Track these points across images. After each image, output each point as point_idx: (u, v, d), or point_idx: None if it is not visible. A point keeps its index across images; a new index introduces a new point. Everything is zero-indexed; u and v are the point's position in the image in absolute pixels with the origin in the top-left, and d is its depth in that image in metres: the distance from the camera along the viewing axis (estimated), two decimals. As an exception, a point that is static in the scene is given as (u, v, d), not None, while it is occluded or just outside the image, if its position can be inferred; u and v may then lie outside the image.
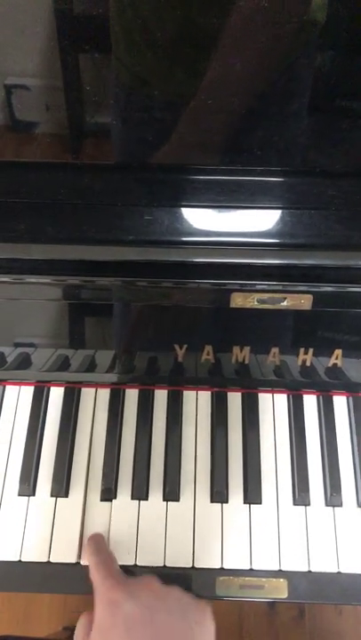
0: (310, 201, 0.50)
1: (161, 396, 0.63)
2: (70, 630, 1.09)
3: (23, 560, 0.55)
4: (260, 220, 0.50)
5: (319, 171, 0.51)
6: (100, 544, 0.54)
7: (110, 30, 0.44)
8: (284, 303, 0.51)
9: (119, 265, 0.49)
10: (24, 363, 0.61)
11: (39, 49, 0.46)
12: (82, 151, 0.52)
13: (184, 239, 0.49)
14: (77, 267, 0.51)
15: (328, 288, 0.50)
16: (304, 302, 0.51)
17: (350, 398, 0.62)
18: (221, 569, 0.55)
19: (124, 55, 0.46)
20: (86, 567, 0.52)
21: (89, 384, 0.64)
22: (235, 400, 0.63)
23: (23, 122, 0.51)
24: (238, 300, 0.51)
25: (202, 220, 0.50)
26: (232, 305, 0.52)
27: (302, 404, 0.63)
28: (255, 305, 0.52)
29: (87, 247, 0.50)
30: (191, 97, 0.47)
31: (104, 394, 0.63)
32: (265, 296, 0.51)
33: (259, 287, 0.50)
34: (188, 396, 0.63)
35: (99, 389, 0.64)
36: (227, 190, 0.50)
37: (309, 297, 0.50)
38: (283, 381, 0.62)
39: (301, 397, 0.63)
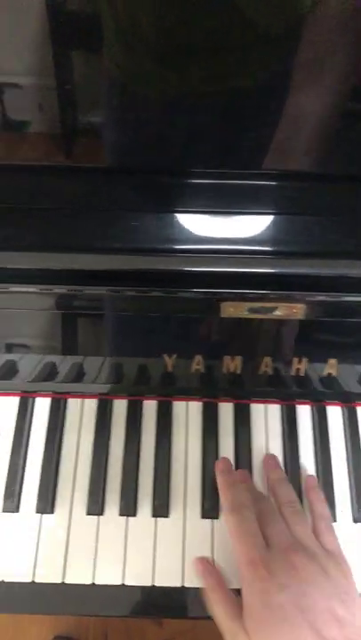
0: (303, 207, 0.48)
1: (150, 407, 0.61)
2: (62, 639, 1.08)
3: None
4: (250, 227, 0.48)
5: (313, 175, 0.49)
6: (243, 502, 0.51)
7: (103, 28, 0.42)
8: (277, 312, 0.49)
9: (105, 274, 0.47)
10: (9, 372, 0.59)
11: (31, 47, 0.44)
12: (73, 153, 0.50)
13: (173, 247, 0.47)
14: (62, 275, 0.49)
15: (321, 297, 0.48)
16: (297, 312, 0.49)
17: (345, 408, 0.61)
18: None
19: (117, 54, 0.43)
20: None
21: (76, 394, 0.62)
22: (226, 410, 0.61)
23: (14, 121, 0.49)
24: (229, 310, 0.49)
25: (191, 226, 0.48)
26: (223, 315, 0.50)
27: (295, 415, 0.61)
28: (246, 314, 0.50)
29: (71, 255, 0.48)
30: (182, 98, 0.45)
31: (91, 404, 0.61)
32: (256, 305, 0.49)
33: (250, 296, 0.49)
34: (178, 406, 0.61)
35: (86, 400, 0.61)
36: (217, 195, 0.48)
37: (302, 306, 0.48)
38: (276, 391, 0.60)
39: (295, 407, 0.61)
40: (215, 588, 0.49)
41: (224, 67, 0.43)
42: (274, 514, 0.50)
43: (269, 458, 0.58)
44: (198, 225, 0.48)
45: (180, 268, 0.47)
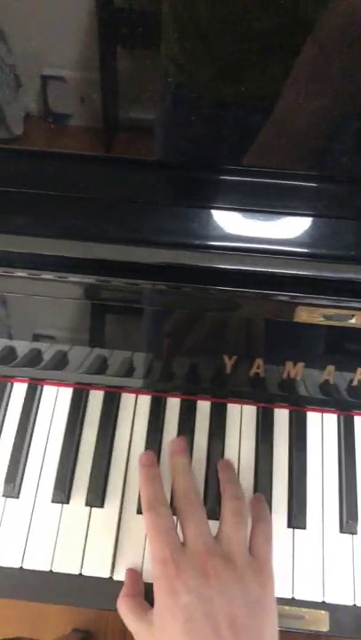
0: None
1: (204, 408, 0.60)
2: (80, 632, 1.07)
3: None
4: (328, 231, 0.47)
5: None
6: (158, 498, 0.51)
7: (162, 23, 0.41)
8: (352, 321, 0.48)
9: (174, 269, 0.46)
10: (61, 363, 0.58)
11: (79, 41, 0.43)
12: (115, 146, 0.49)
13: (247, 246, 0.46)
14: (121, 268, 0.48)
15: None
16: (376, 321, 0.48)
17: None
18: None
19: (174, 49, 0.42)
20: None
21: (129, 389, 0.61)
22: (281, 417, 0.60)
23: (57, 113, 0.48)
24: (303, 315, 0.48)
25: (254, 226, 0.46)
26: (296, 319, 0.49)
27: (353, 426, 0.59)
28: (321, 321, 0.48)
29: (144, 249, 0.47)
30: (235, 96, 0.44)
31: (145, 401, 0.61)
32: (331, 312, 0.48)
33: (326, 303, 0.47)
34: (233, 409, 0.60)
35: (139, 396, 0.61)
36: (301, 196, 0.47)
37: (383, 316, 0.47)
38: (332, 400, 0.59)
39: (352, 418, 0.60)
40: (124, 593, 0.50)
41: (278, 68, 0.42)
42: (195, 512, 0.49)
43: (222, 461, 0.57)
44: (264, 225, 0.47)
45: (258, 269, 0.46)
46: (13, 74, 0.45)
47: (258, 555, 0.48)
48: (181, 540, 0.48)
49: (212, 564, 0.44)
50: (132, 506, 0.56)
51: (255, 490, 0.56)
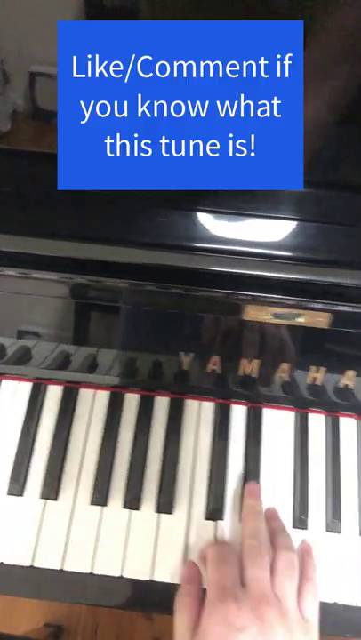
0: (334, 216, 0.47)
1: (162, 404, 0.61)
2: (52, 627, 1.08)
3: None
4: (279, 231, 0.48)
5: (346, 185, 0.49)
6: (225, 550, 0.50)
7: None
8: (300, 320, 0.49)
9: (128, 267, 0.47)
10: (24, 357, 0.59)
11: None
12: None
13: (199, 245, 0.47)
14: (83, 265, 0.49)
15: (347, 308, 0.47)
16: (321, 320, 0.48)
17: (359, 421, 0.60)
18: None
19: None
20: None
21: (89, 385, 0.62)
22: (239, 413, 0.61)
23: (45, 110, 0.49)
24: (252, 313, 0.49)
25: (219, 226, 0.47)
26: (245, 317, 0.49)
27: (308, 423, 0.60)
28: (270, 319, 0.49)
29: (95, 246, 0.47)
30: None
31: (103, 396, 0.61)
32: (281, 311, 0.49)
33: (274, 301, 0.48)
34: (191, 405, 0.61)
35: (98, 391, 0.62)
36: (248, 198, 0.48)
37: (327, 315, 0.48)
38: (290, 398, 0.60)
39: (307, 416, 0.61)
40: (188, 593, 0.48)
41: None
42: (261, 556, 0.48)
43: (270, 509, 0.56)
44: (226, 225, 0.48)
45: (206, 268, 0.47)
46: (1, 70, 0.46)
47: (307, 616, 0.47)
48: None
49: (269, 612, 0.43)
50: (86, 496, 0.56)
51: (211, 480, 0.57)
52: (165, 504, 0.55)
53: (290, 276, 0.47)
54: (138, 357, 0.57)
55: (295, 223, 0.48)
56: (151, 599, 0.53)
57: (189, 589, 0.49)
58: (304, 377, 0.56)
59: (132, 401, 0.61)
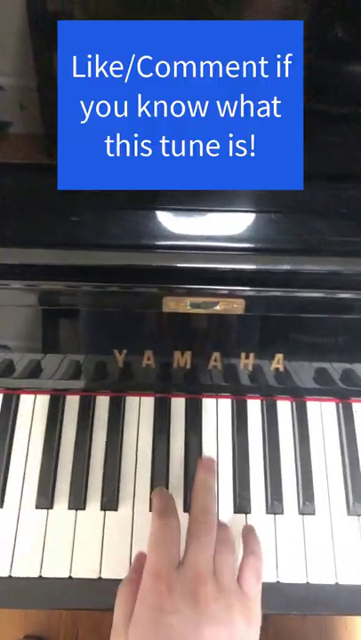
0: (242, 203, 0.49)
1: (102, 403, 0.62)
2: (32, 639, 1.08)
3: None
4: (190, 222, 0.49)
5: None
6: (170, 510, 0.49)
7: None
8: (217, 307, 0.50)
9: (42, 268, 0.47)
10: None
11: (12, 47, 0.44)
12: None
13: (110, 242, 0.48)
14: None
15: (258, 292, 0.49)
16: (237, 307, 0.50)
17: (294, 403, 0.62)
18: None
19: None
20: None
21: (28, 390, 0.62)
22: (178, 405, 0.62)
23: None
24: (171, 305, 0.50)
25: (128, 221, 0.48)
26: (165, 309, 0.50)
27: (246, 409, 0.62)
28: (188, 309, 0.50)
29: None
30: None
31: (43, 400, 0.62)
32: (198, 300, 0.50)
33: (190, 291, 0.49)
34: (132, 402, 0.62)
35: (38, 396, 0.62)
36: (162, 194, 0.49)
37: (242, 301, 0.49)
38: (227, 386, 0.61)
39: (245, 402, 0.62)
40: (128, 583, 0.47)
41: None
42: (205, 534, 0.47)
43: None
44: (138, 221, 0.49)
45: (116, 263, 0.48)
46: None
47: (248, 590, 0.46)
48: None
49: (204, 590, 0.43)
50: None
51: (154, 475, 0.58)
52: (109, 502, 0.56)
53: (201, 266, 0.48)
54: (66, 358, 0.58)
55: (212, 214, 0.49)
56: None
57: (131, 579, 0.48)
58: (236, 364, 0.58)
59: (72, 403, 0.62)
